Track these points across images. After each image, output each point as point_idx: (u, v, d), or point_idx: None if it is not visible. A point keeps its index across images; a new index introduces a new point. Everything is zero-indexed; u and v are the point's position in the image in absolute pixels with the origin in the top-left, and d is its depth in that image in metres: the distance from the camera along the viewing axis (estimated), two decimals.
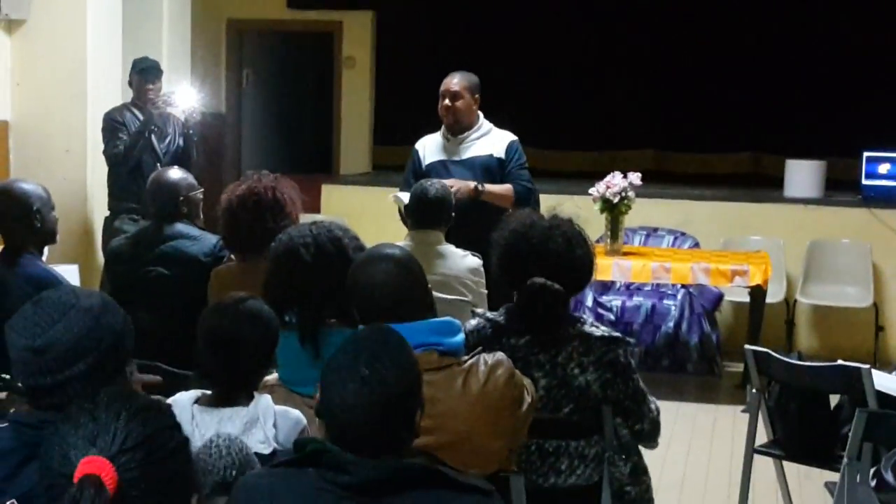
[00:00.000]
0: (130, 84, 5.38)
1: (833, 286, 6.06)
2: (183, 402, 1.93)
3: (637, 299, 5.90)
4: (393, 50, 7.61)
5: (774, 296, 5.71)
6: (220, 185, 6.83)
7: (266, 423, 1.82)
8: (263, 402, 1.88)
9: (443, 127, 4.41)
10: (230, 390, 1.87)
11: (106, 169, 5.46)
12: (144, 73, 5.31)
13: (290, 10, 7.51)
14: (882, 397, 2.99)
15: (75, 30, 5.56)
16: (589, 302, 5.88)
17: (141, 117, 5.37)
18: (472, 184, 4.23)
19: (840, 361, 3.30)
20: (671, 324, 5.80)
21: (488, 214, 3.81)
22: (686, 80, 7.34)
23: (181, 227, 3.60)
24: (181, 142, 5.49)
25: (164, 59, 6.10)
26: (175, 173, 3.79)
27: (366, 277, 2.02)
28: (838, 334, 6.16)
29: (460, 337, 2.03)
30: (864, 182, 6.20)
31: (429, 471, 1.47)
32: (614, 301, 5.87)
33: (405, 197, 4.16)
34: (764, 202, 6.37)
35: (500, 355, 2.04)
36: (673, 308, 5.82)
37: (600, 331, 2.39)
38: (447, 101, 4.28)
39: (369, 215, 5.63)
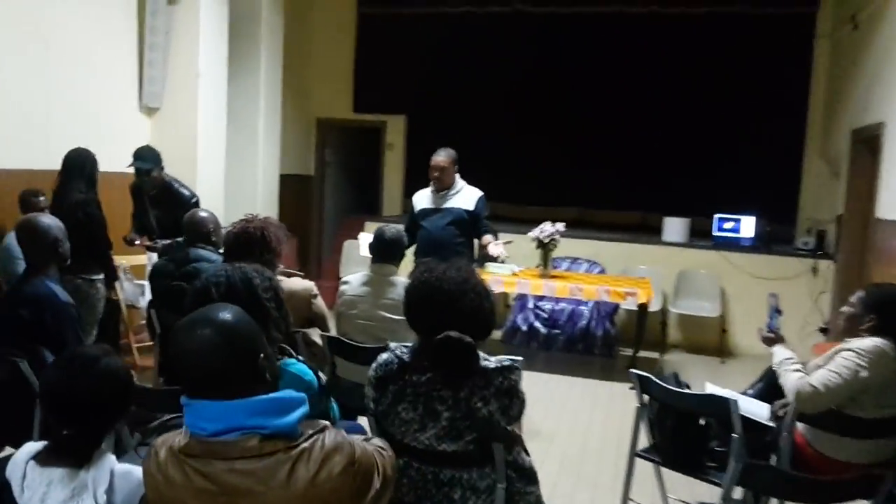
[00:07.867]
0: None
1: (693, 301, 6.99)
2: (18, 461, 1.68)
3: (563, 305, 6.85)
4: (416, 138, 9.07)
5: (654, 306, 6.45)
6: (310, 223, 8.94)
7: (98, 489, 1.58)
8: (102, 465, 1.61)
9: (431, 184, 4.98)
10: (70, 441, 1.64)
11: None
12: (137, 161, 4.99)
13: (355, 113, 9.21)
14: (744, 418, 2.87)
15: (189, 115, 6.26)
16: (531, 304, 6.88)
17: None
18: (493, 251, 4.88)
19: (709, 387, 3.20)
20: (584, 322, 6.79)
21: (451, 251, 4.52)
22: (600, 163, 8.27)
23: (204, 252, 3.61)
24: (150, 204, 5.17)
25: (259, 141, 7.04)
26: (203, 212, 3.82)
27: (181, 344, 1.48)
28: (696, 333, 7.03)
29: (294, 416, 1.47)
30: (715, 233, 7.34)
31: None
32: (548, 305, 6.87)
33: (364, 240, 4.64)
34: (648, 244, 7.33)
35: (341, 437, 1.53)
36: (586, 311, 6.82)
37: (493, 362, 2.15)
38: (436, 173, 4.91)
39: None
